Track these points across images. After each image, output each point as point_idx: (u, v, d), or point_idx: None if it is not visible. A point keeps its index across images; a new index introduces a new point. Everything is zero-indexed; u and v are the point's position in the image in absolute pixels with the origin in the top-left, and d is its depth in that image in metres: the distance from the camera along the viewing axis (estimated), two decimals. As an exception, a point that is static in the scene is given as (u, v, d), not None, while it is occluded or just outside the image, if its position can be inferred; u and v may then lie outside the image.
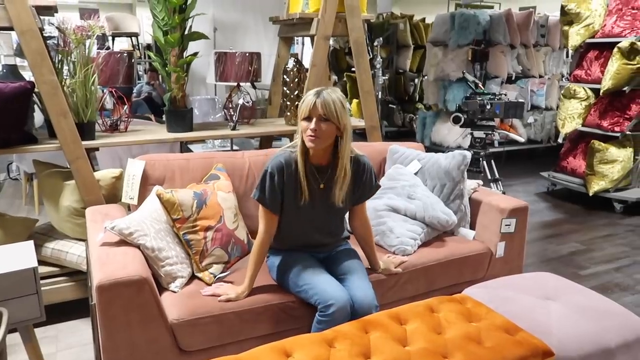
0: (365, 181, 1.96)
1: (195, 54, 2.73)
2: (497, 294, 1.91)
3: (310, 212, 1.91)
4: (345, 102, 1.82)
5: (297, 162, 1.85)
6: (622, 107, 4.45)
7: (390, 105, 7.78)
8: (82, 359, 2.22)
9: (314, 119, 1.77)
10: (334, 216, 1.99)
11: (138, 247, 1.85)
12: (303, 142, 1.83)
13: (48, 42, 2.75)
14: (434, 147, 6.19)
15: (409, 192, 2.46)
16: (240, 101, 2.98)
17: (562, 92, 5.01)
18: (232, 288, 1.87)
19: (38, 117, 2.75)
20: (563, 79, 6.91)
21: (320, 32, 2.89)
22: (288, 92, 3.05)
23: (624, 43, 4.23)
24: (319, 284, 1.81)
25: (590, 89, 4.69)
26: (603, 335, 1.69)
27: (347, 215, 2.10)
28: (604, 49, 4.59)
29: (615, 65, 4.30)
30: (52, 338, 2.36)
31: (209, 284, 1.94)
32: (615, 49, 4.30)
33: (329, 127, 1.78)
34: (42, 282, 2.35)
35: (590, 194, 4.53)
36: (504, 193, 3.82)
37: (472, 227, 2.53)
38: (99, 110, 2.67)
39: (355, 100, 3.39)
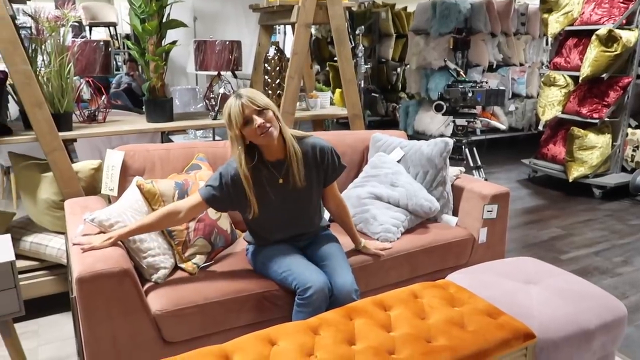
0: (328, 163, 1.94)
1: (174, 43, 2.68)
2: (480, 279, 1.93)
3: (279, 210, 1.90)
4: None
5: (244, 176, 1.78)
6: (600, 94, 4.52)
7: (373, 94, 7.77)
8: (63, 354, 2.19)
9: (254, 117, 1.72)
10: (304, 206, 1.96)
11: (119, 238, 1.82)
12: (247, 153, 1.79)
13: (22, 32, 2.67)
14: (417, 136, 6.22)
15: (392, 179, 2.47)
16: (222, 90, 2.94)
17: (542, 79, 5.06)
18: (95, 237, 1.75)
19: (14, 109, 2.68)
20: (543, 66, 6.98)
21: (301, 19, 2.86)
22: (269, 80, 3.02)
23: (602, 30, 4.29)
24: (297, 269, 1.82)
25: (570, 76, 4.75)
26: (583, 317, 1.72)
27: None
28: (583, 37, 4.65)
29: (593, 52, 4.35)
30: (32, 333, 2.32)
31: (192, 274, 1.92)
32: (594, 37, 4.35)
33: (270, 116, 1.75)
34: (21, 276, 2.33)
35: (570, 180, 4.60)
36: (485, 180, 3.86)
37: (455, 213, 2.54)
38: (76, 101, 2.61)
39: (338, 90, 3.37)
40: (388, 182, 2.47)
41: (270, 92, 3.02)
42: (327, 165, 1.94)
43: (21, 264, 2.38)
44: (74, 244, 1.75)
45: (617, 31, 4.23)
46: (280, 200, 1.89)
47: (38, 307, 2.42)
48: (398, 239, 2.28)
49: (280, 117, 1.81)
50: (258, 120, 1.72)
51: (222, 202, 1.86)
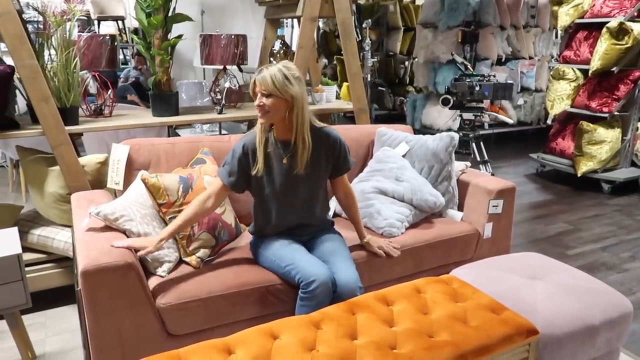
0: (339, 153, 1.97)
1: (179, 37, 2.68)
2: (484, 274, 1.92)
3: (279, 189, 1.92)
4: (293, 74, 1.82)
5: (258, 141, 1.89)
6: (610, 87, 4.46)
7: (380, 88, 7.74)
8: (70, 345, 2.21)
9: (258, 95, 1.83)
10: (306, 194, 1.96)
11: (124, 232, 1.83)
12: None
13: (29, 26, 2.69)
14: (424, 130, 6.18)
15: (396, 174, 2.46)
16: (227, 84, 2.94)
17: (551, 73, 5.01)
18: (148, 240, 1.81)
19: (22, 103, 2.70)
20: (552, 60, 6.91)
21: (307, 13, 2.85)
22: (275, 74, 3.01)
23: (613, 23, 4.23)
24: (301, 262, 1.82)
25: (579, 69, 4.70)
26: (587, 313, 1.71)
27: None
28: (593, 30, 4.59)
29: (604, 45, 4.30)
30: (40, 325, 2.35)
31: (196, 268, 1.93)
32: (604, 29, 4.29)
33: (274, 102, 1.81)
34: (29, 268, 2.36)
35: (579, 175, 4.56)
36: (492, 175, 3.84)
37: (460, 208, 2.53)
38: (82, 95, 2.63)
39: (345, 84, 3.36)
40: (393, 176, 2.46)
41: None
42: (337, 156, 1.97)
43: (29, 256, 2.41)
44: (118, 247, 1.73)
45: (629, 24, 4.17)
46: (283, 179, 1.91)
47: (46, 299, 2.45)
48: (402, 233, 2.28)
49: (298, 104, 1.83)
50: (257, 100, 1.83)
51: (238, 176, 1.90)
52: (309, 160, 1.89)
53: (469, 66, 4.49)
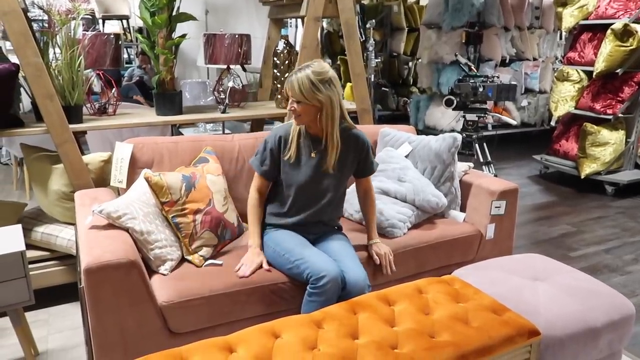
0: (367, 158, 2.05)
1: (183, 36, 2.69)
2: (486, 275, 1.92)
3: (304, 180, 1.96)
4: (322, 78, 1.85)
5: (293, 129, 1.97)
6: (614, 89, 4.45)
7: (383, 88, 7.73)
8: (73, 343, 2.22)
9: (290, 98, 1.89)
10: (328, 189, 1.99)
11: (127, 230, 1.84)
12: None
13: (34, 24, 2.70)
14: (428, 131, 6.18)
15: (399, 174, 2.46)
16: (230, 84, 2.95)
17: (555, 74, 5.00)
18: (256, 255, 1.94)
19: (27, 101, 2.72)
20: (557, 61, 6.89)
21: (310, 13, 2.85)
22: (279, 74, 3.02)
23: (618, 25, 4.21)
24: (311, 258, 1.84)
25: (584, 71, 4.69)
26: (590, 314, 1.71)
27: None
28: (598, 31, 4.57)
29: (608, 47, 4.29)
30: (43, 322, 2.36)
31: (199, 266, 1.94)
32: (609, 31, 4.28)
33: (304, 107, 1.87)
34: (32, 266, 2.37)
35: (582, 177, 4.55)
36: (495, 176, 3.83)
37: (463, 209, 2.53)
38: (86, 94, 2.64)
39: (348, 84, 3.37)
40: (395, 177, 2.46)
41: (279, 85, 3.03)
42: (363, 159, 2.04)
43: (32, 254, 2.42)
44: (244, 275, 1.86)
45: (633, 25, 4.16)
46: (310, 172, 1.96)
47: (49, 297, 2.47)
48: (405, 234, 2.28)
49: (327, 108, 1.87)
50: (289, 104, 1.91)
51: (270, 165, 1.99)
52: (337, 159, 1.94)
53: (472, 67, 4.48)
